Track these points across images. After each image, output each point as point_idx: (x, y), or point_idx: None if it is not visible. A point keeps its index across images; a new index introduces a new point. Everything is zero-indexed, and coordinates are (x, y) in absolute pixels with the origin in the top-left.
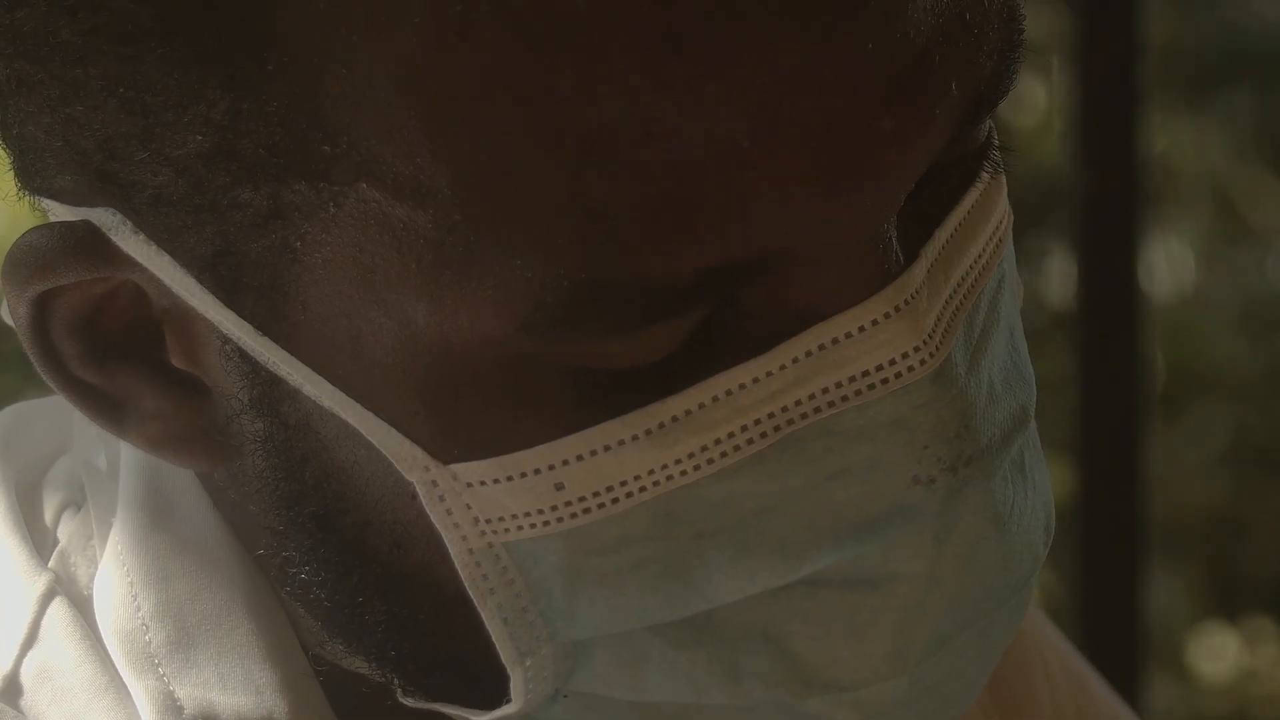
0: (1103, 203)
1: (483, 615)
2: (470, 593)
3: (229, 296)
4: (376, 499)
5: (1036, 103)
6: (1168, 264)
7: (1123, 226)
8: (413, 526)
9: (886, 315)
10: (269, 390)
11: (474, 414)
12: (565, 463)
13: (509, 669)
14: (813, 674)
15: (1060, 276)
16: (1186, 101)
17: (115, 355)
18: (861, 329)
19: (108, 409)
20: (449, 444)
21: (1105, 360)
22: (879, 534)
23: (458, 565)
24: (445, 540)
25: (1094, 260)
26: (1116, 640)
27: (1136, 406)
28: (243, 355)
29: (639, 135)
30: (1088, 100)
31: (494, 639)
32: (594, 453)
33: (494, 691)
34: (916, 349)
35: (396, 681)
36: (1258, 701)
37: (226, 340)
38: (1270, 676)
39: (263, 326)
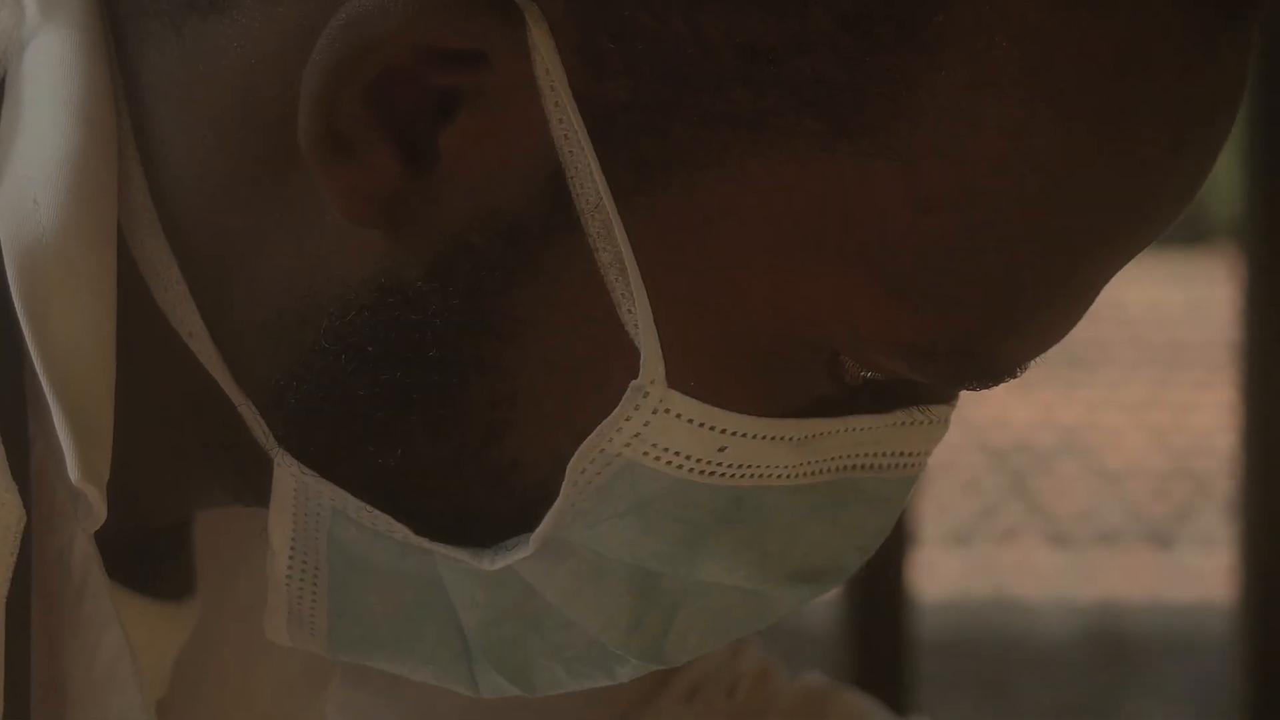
0: None
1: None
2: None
3: (605, 146)
4: (549, 365)
5: None
6: None
7: None
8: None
9: (944, 420)
10: (548, 236)
11: (721, 366)
12: (736, 434)
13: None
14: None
15: None
16: None
17: (387, 106)
18: (931, 421)
19: (339, 144)
20: (681, 374)
21: None
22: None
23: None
24: (590, 440)
25: None
26: None
27: None
28: (557, 189)
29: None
30: None
31: (550, 512)
32: (759, 437)
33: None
34: (927, 451)
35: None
36: None
37: (556, 169)
38: None
39: (621, 193)
